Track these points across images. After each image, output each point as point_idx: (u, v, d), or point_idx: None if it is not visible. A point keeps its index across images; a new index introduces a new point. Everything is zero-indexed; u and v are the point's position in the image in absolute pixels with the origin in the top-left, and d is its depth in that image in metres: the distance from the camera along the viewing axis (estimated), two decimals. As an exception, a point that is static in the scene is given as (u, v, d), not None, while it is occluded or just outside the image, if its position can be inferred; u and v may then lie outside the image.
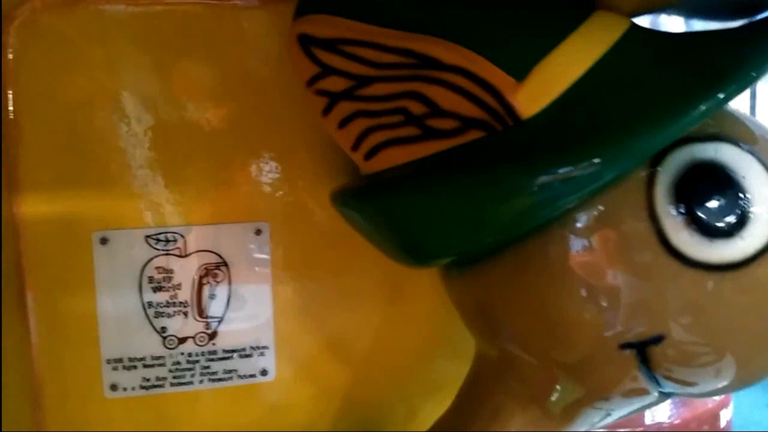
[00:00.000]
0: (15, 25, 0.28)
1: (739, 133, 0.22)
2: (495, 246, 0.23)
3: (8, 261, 0.29)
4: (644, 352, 0.21)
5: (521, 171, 0.21)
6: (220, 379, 0.32)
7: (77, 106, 0.29)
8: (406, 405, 0.36)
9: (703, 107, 0.19)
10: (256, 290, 0.32)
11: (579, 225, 0.21)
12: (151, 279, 0.30)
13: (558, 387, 0.25)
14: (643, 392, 0.23)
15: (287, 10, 0.26)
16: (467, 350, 0.34)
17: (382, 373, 0.35)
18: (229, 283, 0.31)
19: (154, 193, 0.30)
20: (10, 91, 0.28)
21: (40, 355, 0.30)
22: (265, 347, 0.32)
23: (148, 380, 0.31)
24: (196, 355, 0.31)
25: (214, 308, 0.31)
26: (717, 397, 1.10)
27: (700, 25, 0.26)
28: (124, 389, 0.30)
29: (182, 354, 0.31)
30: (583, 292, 0.22)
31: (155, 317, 0.30)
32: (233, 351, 0.32)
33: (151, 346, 0.31)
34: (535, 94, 0.21)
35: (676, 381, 0.23)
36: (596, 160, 0.20)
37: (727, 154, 0.21)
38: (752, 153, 0.21)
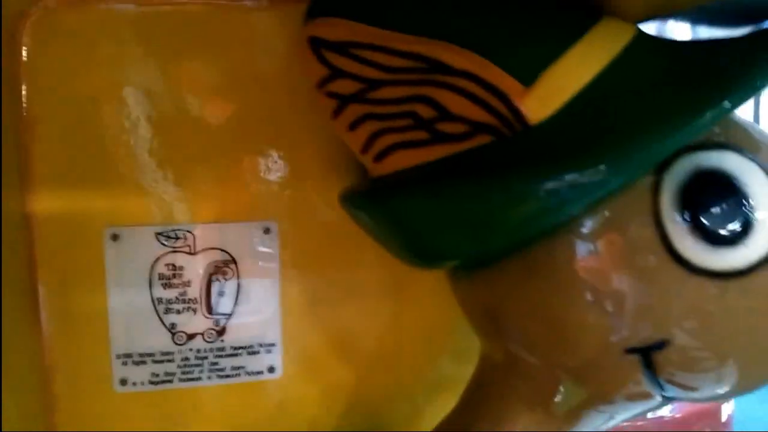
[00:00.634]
0: (29, 23, 0.28)
1: (743, 142, 0.22)
2: (502, 250, 0.23)
3: (20, 256, 0.29)
4: (648, 356, 0.22)
5: (529, 176, 0.21)
6: (227, 376, 0.32)
7: (89, 104, 0.29)
8: (411, 404, 0.36)
9: (708, 116, 0.19)
10: (264, 287, 0.32)
11: (585, 230, 0.22)
12: (161, 276, 0.31)
13: (562, 389, 0.25)
14: (647, 396, 0.23)
15: (296, 10, 0.27)
16: (471, 351, 0.35)
17: (386, 372, 0.35)
18: (238, 280, 0.31)
19: (165, 190, 0.30)
20: (24, 88, 0.29)
21: (51, 349, 0.30)
22: (272, 344, 0.32)
23: (157, 375, 0.31)
24: (205, 351, 0.31)
25: (223, 305, 0.31)
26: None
27: (705, 32, 0.26)
28: (134, 384, 0.31)
29: (191, 350, 0.31)
30: (589, 297, 0.22)
31: (165, 313, 0.31)
32: (241, 348, 0.32)
33: (161, 341, 0.31)
34: (543, 99, 0.21)
35: (679, 385, 0.23)
36: (602, 167, 0.20)
37: (731, 162, 0.21)
38: (756, 161, 0.21)
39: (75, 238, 0.30)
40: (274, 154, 0.32)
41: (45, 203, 0.29)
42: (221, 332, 0.32)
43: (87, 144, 0.30)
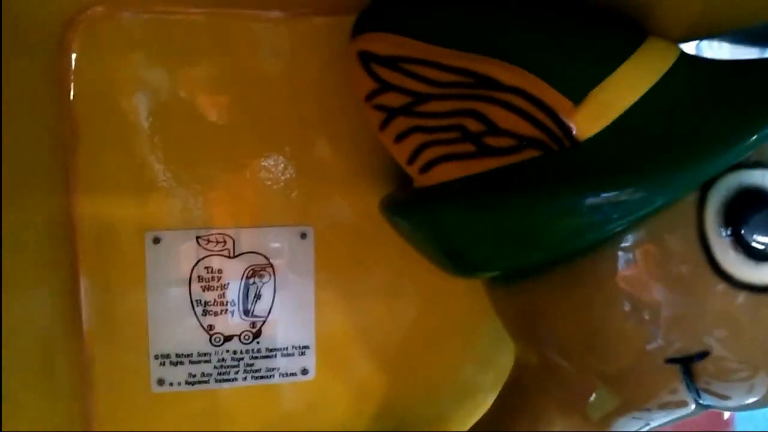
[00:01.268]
0: (79, 30, 0.29)
1: None
2: (543, 263, 0.24)
3: (64, 258, 0.30)
4: (689, 366, 0.22)
5: (574, 191, 0.21)
6: (262, 377, 0.33)
7: (132, 110, 0.30)
8: (437, 410, 0.37)
9: (753, 138, 0.20)
10: (299, 291, 0.33)
11: (629, 244, 0.22)
12: (200, 278, 0.31)
13: (597, 395, 0.26)
14: (683, 404, 0.24)
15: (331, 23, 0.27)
16: (496, 358, 0.35)
17: (414, 377, 0.36)
18: (274, 283, 0.32)
19: (205, 195, 0.31)
20: (72, 95, 0.29)
21: (92, 348, 0.31)
22: (306, 347, 0.33)
23: (194, 376, 0.32)
24: (241, 352, 0.32)
25: (260, 308, 0.32)
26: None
27: (747, 52, 0.26)
28: (171, 384, 0.32)
29: (227, 351, 0.32)
30: (632, 309, 0.22)
31: (203, 315, 0.31)
32: (276, 349, 0.33)
33: (198, 342, 0.32)
34: (591, 117, 0.22)
35: (713, 394, 0.24)
36: (647, 186, 0.21)
37: None
38: None
39: (117, 241, 0.31)
40: (310, 161, 0.32)
41: (88, 207, 0.30)
42: (257, 334, 0.32)
43: (129, 149, 0.30)
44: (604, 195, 0.21)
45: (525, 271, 0.25)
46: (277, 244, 0.32)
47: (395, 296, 0.35)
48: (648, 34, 0.24)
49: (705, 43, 0.27)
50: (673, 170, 0.20)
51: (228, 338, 0.32)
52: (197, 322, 0.31)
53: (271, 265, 0.32)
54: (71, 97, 0.29)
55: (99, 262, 0.30)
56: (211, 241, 0.31)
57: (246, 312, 0.32)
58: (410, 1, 0.25)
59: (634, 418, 0.25)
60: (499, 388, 0.30)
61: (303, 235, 0.32)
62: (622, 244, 0.22)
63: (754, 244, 0.21)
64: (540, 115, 0.22)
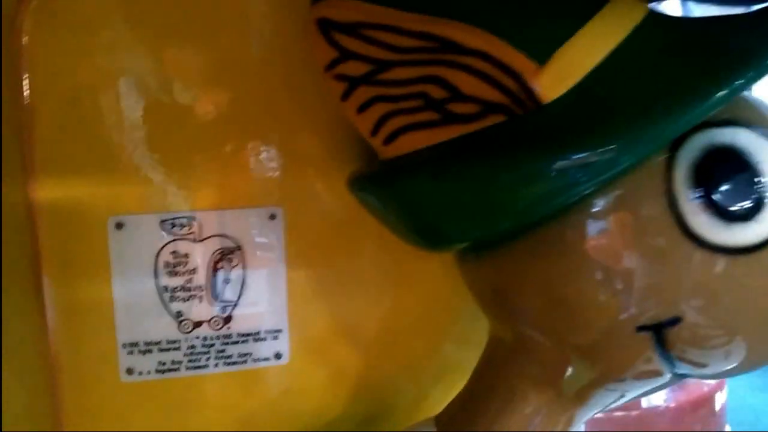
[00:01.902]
0: (30, 9, 0.28)
1: (755, 118, 0.22)
2: (512, 231, 0.23)
3: (24, 246, 0.29)
4: (660, 334, 0.22)
5: (540, 156, 0.21)
6: (234, 363, 0.32)
7: (90, 92, 0.29)
8: (417, 387, 0.36)
9: (721, 95, 0.20)
10: (270, 274, 0.32)
11: (597, 209, 0.22)
12: (166, 264, 0.30)
13: (571, 369, 0.25)
14: (657, 373, 0.24)
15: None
16: (474, 336, 0.35)
17: (393, 356, 0.35)
18: (244, 267, 0.31)
19: (168, 178, 0.30)
20: (26, 76, 0.28)
21: (57, 339, 0.30)
22: (278, 330, 0.32)
23: (163, 364, 0.31)
24: (211, 338, 0.31)
25: (229, 292, 0.31)
26: (712, 381, 1.12)
27: (716, 10, 0.26)
28: (140, 373, 0.31)
29: (197, 338, 0.31)
30: (601, 276, 0.22)
31: (170, 301, 0.31)
32: (248, 335, 0.32)
33: (167, 330, 0.31)
34: (556, 78, 0.21)
35: (689, 362, 0.23)
36: (614, 147, 0.20)
37: (744, 139, 0.21)
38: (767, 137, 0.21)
39: (78, 228, 0.30)
40: (278, 141, 0.31)
41: (47, 192, 0.29)
42: (227, 320, 0.31)
43: (89, 132, 0.29)
44: (571, 157, 0.20)
45: (494, 241, 0.24)
46: (245, 227, 0.31)
47: (371, 278, 0.34)
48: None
49: (672, 2, 0.26)
50: (640, 128, 0.20)
51: (197, 324, 0.31)
52: (165, 309, 0.31)
53: (240, 248, 0.31)
54: (25, 79, 0.28)
55: (60, 250, 0.30)
56: (176, 225, 0.30)
57: (215, 297, 0.31)
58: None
59: (608, 390, 0.25)
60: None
61: (272, 216, 0.31)
62: (591, 210, 0.22)
63: (724, 204, 0.20)
64: (503, 78, 0.21)
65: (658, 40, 0.22)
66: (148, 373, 0.31)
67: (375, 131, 0.24)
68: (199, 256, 0.31)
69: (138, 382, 0.31)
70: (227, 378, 0.32)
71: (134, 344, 0.31)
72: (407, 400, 0.36)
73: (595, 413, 0.26)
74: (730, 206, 0.20)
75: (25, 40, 0.28)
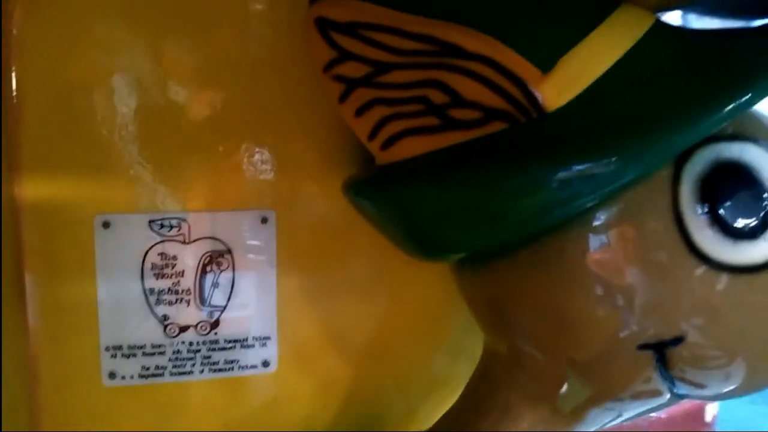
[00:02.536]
0: (21, 0, 0.27)
1: (762, 133, 0.22)
2: (511, 242, 0.23)
3: (8, 243, 0.28)
4: (662, 353, 0.21)
5: (542, 165, 0.20)
6: (220, 370, 0.31)
7: (80, 87, 0.28)
8: (406, 400, 0.35)
9: (728, 108, 0.19)
10: (260, 279, 0.31)
11: (599, 223, 0.21)
12: (153, 265, 0.29)
13: (568, 385, 0.24)
14: (657, 393, 0.23)
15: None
16: (467, 350, 0.34)
17: (382, 368, 0.35)
18: (233, 271, 0.30)
19: (158, 177, 0.29)
20: (14, 69, 0.27)
21: (38, 340, 0.29)
22: (267, 338, 0.31)
23: (147, 369, 0.30)
24: (198, 344, 0.30)
25: (217, 297, 0.30)
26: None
27: (724, 22, 0.25)
28: (123, 377, 0.30)
29: (183, 343, 0.30)
30: (602, 292, 0.21)
31: (156, 304, 0.30)
32: (235, 341, 0.31)
33: (152, 334, 0.30)
34: (560, 86, 0.20)
35: (689, 383, 0.22)
36: (617, 159, 0.19)
37: (752, 154, 0.21)
38: None
39: (64, 226, 0.29)
40: (271, 143, 0.31)
41: (33, 188, 0.28)
42: (215, 325, 0.31)
43: (77, 128, 0.28)
44: (574, 168, 0.20)
45: (493, 252, 0.24)
46: (235, 229, 0.30)
47: (363, 286, 0.33)
48: (621, 1, 0.22)
49: (680, 12, 0.26)
50: (645, 141, 0.19)
51: (183, 329, 0.30)
52: (150, 312, 0.30)
53: (230, 252, 0.30)
54: (13, 73, 0.27)
55: (45, 248, 0.29)
56: (165, 226, 0.29)
57: (203, 301, 0.30)
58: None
59: (606, 409, 0.24)
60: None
61: (264, 220, 0.31)
62: (593, 223, 0.21)
63: (731, 222, 0.20)
64: (506, 85, 0.21)
65: (665, 51, 0.21)
66: (131, 377, 0.30)
67: (373, 135, 0.24)
68: (188, 258, 0.30)
69: (120, 386, 0.30)
70: (212, 385, 0.31)
71: (118, 347, 0.30)
72: (396, 412, 0.35)
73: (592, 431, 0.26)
74: (737, 223, 0.20)
75: (15, 32, 0.27)
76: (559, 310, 0.23)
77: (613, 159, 0.19)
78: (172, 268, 0.30)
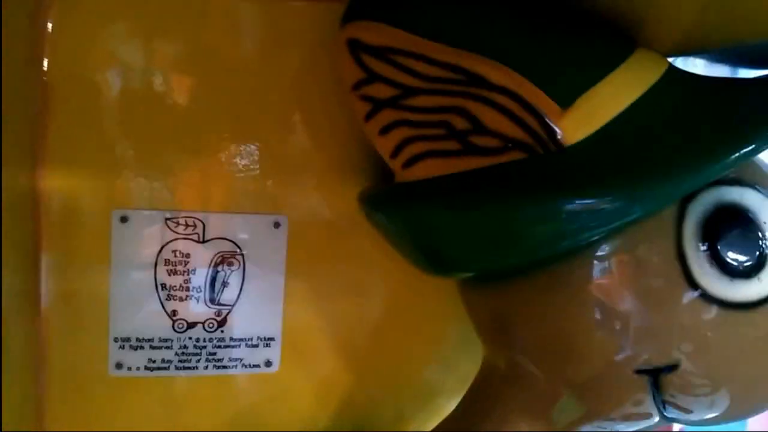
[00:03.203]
0: (57, -3, 0.28)
1: (760, 179, 0.23)
2: (519, 267, 0.24)
3: (25, 231, 0.29)
4: (657, 378, 0.22)
5: (555, 197, 0.21)
6: (224, 367, 0.32)
7: (109, 83, 0.29)
8: (397, 410, 0.36)
9: (733, 157, 0.20)
10: (269, 282, 0.32)
11: (605, 253, 0.22)
12: (166, 261, 0.30)
13: (563, 403, 0.26)
14: (647, 416, 0.24)
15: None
16: (461, 362, 0.35)
17: (379, 376, 0.35)
18: (243, 272, 0.31)
19: (178, 176, 0.30)
20: (46, 63, 0.28)
21: (48, 327, 0.30)
22: (271, 339, 0.32)
23: (153, 361, 0.31)
24: (204, 340, 0.31)
25: (226, 296, 0.31)
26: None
27: (734, 71, 0.27)
28: (129, 368, 0.31)
29: (190, 338, 0.31)
30: (604, 318, 0.22)
31: (167, 300, 0.31)
32: (241, 340, 0.32)
33: (160, 328, 0.31)
34: (577, 123, 0.21)
35: (677, 407, 0.24)
36: (625, 197, 0.21)
37: (750, 199, 0.22)
38: None
39: (82, 218, 0.30)
40: (288, 150, 0.32)
41: (55, 180, 0.29)
42: (222, 323, 0.31)
43: (102, 123, 0.29)
44: (584, 202, 0.21)
45: (500, 273, 0.25)
46: (248, 232, 0.31)
47: (366, 293, 0.34)
48: (638, 44, 0.24)
49: (694, 59, 0.27)
50: (653, 183, 0.20)
51: (191, 325, 0.31)
52: (161, 307, 0.31)
53: (241, 253, 0.31)
54: (44, 68, 0.28)
55: (62, 239, 0.29)
56: (181, 224, 0.30)
57: (212, 299, 0.31)
58: (404, -8, 0.24)
59: (598, 427, 0.25)
60: (462, 391, 0.30)
61: (276, 225, 0.32)
62: (599, 253, 0.22)
63: (729, 260, 0.21)
64: (527, 118, 0.22)
65: (676, 96, 0.23)
66: (138, 369, 0.31)
67: (395, 154, 0.25)
68: (201, 257, 0.31)
69: (126, 377, 0.31)
70: (215, 381, 0.32)
71: (126, 339, 0.30)
72: (388, 418, 0.36)
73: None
74: (734, 262, 0.21)
75: (49, 26, 0.28)
76: (561, 331, 0.24)
77: (621, 197, 0.21)
78: (185, 265, 0.31)
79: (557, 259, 0.23)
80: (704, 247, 0.21)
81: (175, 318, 0.31)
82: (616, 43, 0.23)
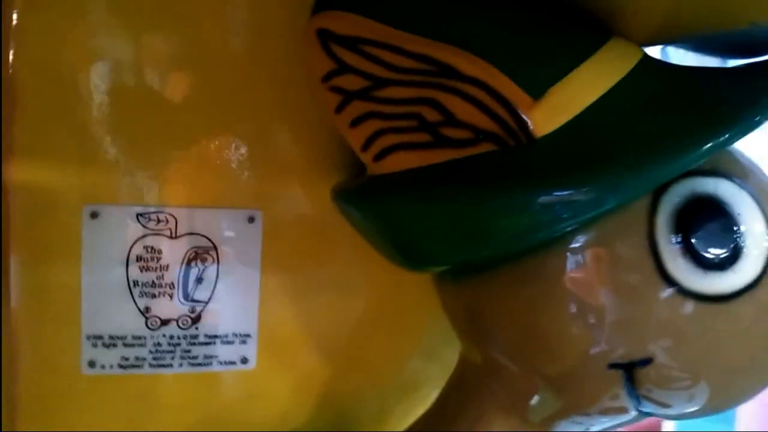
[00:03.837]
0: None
1: (735, 170, 0.23)
2: (493, 259, 0.24)
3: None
4: (631, 372, 0.22)
5: (527, 189, 0.21)
6: (199, 364, 0.31)
7: (77, 76, 0.29)
8: (381, 401, 0.36)
9: (706, 147, 0.20)
10: (244, 278, 0.32)
11: (578, 245, 0.22)
12: (138, 257, 0.30)
13: (539, 398, 0.25)
14: (623, 410, 0.24)
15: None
16: (441, 356, 0.35)
17: (358, 369, 0.35)
18: (218, 268, 0.31)
19: (149, 171, 0.30)
20: (12, 54, 0.27)
21: (18, 324, 0.29)
22: (247, 335, 0.32)
23: (127, 359, 0.30)
24: (178, 338, 0.31)
25: (200, 292, 0.31)
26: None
27: (710, 60, 0.26)
28: (102, 367, 0.30)
29: (164, 336, 0.31)
30: (576, 311, 0.22)
31: (140, 296, 0.30)
32: (215, 336, 0.31)
33: (133, 325, 0.30)
34: (549, 114, 0.21)
35: (654, 402, 0.24)
36: (597, 187, 0.20)
37: (725, 190, 0.22)
38: (747, 190, 0.22)
39: (52, 213, 0.29)
40: (262, 143, 0.31)
41: (24, 174, 0.28)
42: (196, 320, 0.31)
43: (72, 117, 0.29)
44: (556, 193, 0.20)
45: (474, 267, 0.24)
46: (222, 227, 0.31)
47: (343, 288, 0.34)
48: (612, 34, 0.23)
49: (668, 48, 0.27)
50: (625, 173, 0.20)
51: (165, 322, 0.31)
52: (133, 304, 0.30)
53: (215, 249, 0.31)
54: (10, 60, 0.27)
55: (32, 234, 0.29)
56: (153, 220, 0.30)
57: (186, 296, 0.31)
58: (375, -18, 0.24)
59: (573, 422, 0.25)
60: (444, 384, 0.29)
61: (251, 219, 0.31)
62: (571, 246, 0.22)
63: (702, 252, 0.21)
64: (498, 109, 0.21)
65: (650, 86, 0.22)
66: (111, 367, 0.30)
67: (366, 146, 0.24)
68: (173, 252, 0.30)
69: (99, 375, 0.30)
70: (190, 379, 0.32)
71: (99, 337, 0.30)
72: (370, 413, 0.36)
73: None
74: (708, 254, 0.21)
75: (15, 18, 0.27)
76: (535, 325, 0.23)
77: (594, 187, 0.20)
78: (157, 261, 0.30)
79: (530, 253, 0.23)
80: (677, 239, 0.21)
81: (148, 315, 0.30)
82: (589, 34, 0.23)
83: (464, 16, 0.23)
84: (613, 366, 0.22)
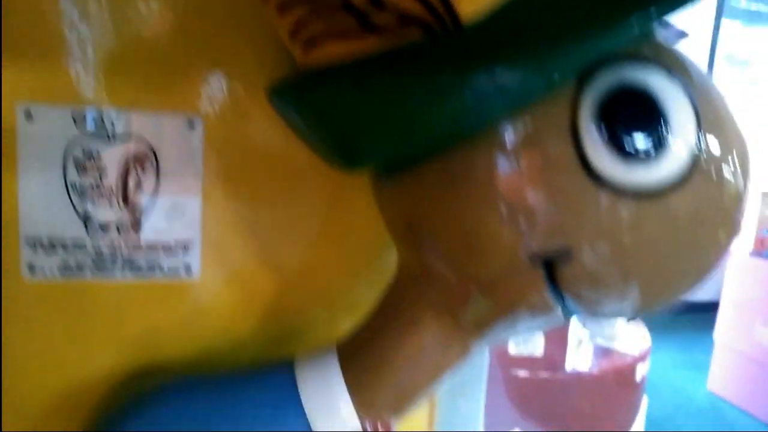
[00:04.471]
0: None
1: (672, 63, 0.22)
2: (423, 152, 0.23)
3: None
4: (552, 269, 0.22)
5: (454, 73, 0.20)
6: (142, 273, 0.31)
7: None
8: (329, 318, 0.36)
9: (630, 22, 0.19)
10: (185, 184, 0.31)
11: (502, 138, 0.22)
12: (75, 160, 0.29)
13: (471, 300, 0.25)
14: (548, 310, 0.24)
15: None
16: (385, 279, 0.35)
17: (308, 287, 0.35)
18: (158, 173, 0.30)
19: (86, 71, 0.29)
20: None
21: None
22: (189, 242, 0.32)
23: (68, 266, 0.30)
24: (119, 244, 0.30)
25: (140, 197, 0.30)
26: (636, 353, 1.16)
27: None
28: (43, 271, 0.30)
29: (104, 240, 0.30)
30: (499, 205, 0.22)
31: (79, 200, 0.30)
32: (157, 243, 0.31)
33: (73, 229, 0.30)
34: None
35: (583, 300, 0.23)
36: (520, 68, 0.20)
37: (656, 81, 0.21)
38: (681, 84, 0.21)
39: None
40: (209, 48, 0.30)
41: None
42: (136, 225, 0.31)
43: (11, 8, 0.27)
44: (483, 76, 0.20)
45: (406, 162, 0.24)
46: (160, 131, 0.30)
47: (288, 197, 0.33)
48: None
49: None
50: (549, 51, 0.19)
51: (104, 227, 0.30)
52: (72, 207, 0.30)
53: (155, 153, 0.30)
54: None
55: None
56: (89, 120, 0.29)
57: (125, 200, 0.30)
58: None
59: (502, 322, 0.25)
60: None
61: (191, 124, 0.30)
62: (495, 138, 0.22)
63: (625, 142, 0.20)
64: None
65: None
66: (51, 273, 0.30)
67: (294, 34, 0.23)
68: (111, 156, 0.30)
69: (42, 283, 0.30)
70: (135, 289, 0.31)
71: (37, 239, 0.30)
72: (318, 328, 0.36)
73: (491, 344, 0.27)
74: (631, 145, 0.20)
75: None
76: (463, 225, 0.23)
77: (520, 69, 0.20)
78: (95, 164, 0.29)
79: (457, 147, 0.22)
80: (600, 129, 0.20)
81: (87, 219, 0.30)
82: None
83: None
84: (534, 261, 0.22)
